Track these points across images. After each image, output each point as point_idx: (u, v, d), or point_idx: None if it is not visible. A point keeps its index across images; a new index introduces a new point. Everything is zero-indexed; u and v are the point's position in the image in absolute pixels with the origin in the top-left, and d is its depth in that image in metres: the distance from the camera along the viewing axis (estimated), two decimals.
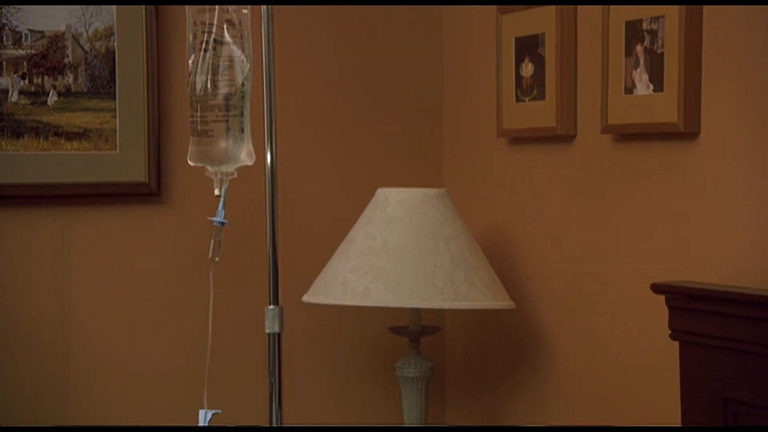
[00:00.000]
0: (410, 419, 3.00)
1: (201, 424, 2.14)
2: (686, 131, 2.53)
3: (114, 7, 3.02)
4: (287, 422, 2.38)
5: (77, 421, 3.03)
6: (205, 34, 2.19)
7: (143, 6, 3.03)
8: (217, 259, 2.24)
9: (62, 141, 2.99)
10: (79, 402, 3.03)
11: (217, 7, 2.20)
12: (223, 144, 2.21)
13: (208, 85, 2.21)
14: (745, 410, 2.23)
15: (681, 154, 2.58)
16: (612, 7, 2.71)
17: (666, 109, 2.56)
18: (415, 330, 3.01)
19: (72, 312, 3.03)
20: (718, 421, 2.27)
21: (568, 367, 2.96)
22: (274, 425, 2.32)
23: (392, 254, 2.87)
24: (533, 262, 3.08)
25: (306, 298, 2.96)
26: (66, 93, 3.00)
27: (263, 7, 2.32)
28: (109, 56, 3.03)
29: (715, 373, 2.30)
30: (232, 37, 2.19)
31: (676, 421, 2.43)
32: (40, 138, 2.97)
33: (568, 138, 2.92)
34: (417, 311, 3.00)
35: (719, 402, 2.27)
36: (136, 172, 3.05)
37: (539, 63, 2.97)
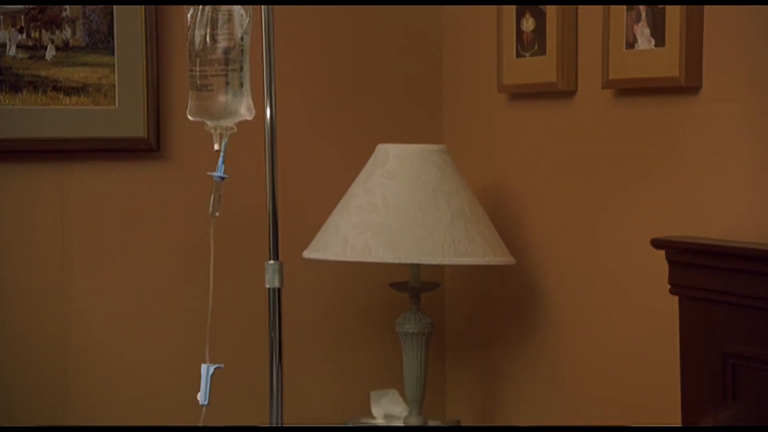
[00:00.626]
0: (410, 375, 3.01)
1: (203, 378, 2.16)
2: (687, 86, 2.52)
3: None
4: (287, 376, 2.39)
5: (79, 374, 3.04)
6: None
7: None
8: (217, 214, 2.24)
9: (61, 96, 2.98)
10: (80, 348, 3.04)
11: None
12: (222, 98, 2.21)
13: (207, 39, 2.20)
14: (744, 364, 2.24)
15: (682, 109, 2.58)
16: None
17: (667, 64, 2.55)
18: (415, 286, 3.01)
19: (72, 265, 3.03)
20: (717, 375, 2.28)
21: (567, 322, 2.97)
22: (275, 380, 2.33)
23: (392, 210, 2.87)
24: (533, 217, 3.08)
25: (306, 254, 2.96)
26: (64, 47, 2.98)
27: None
28: (107, 10, 3.01)
29: (714, 328, 2.31)
30: None
31: (675, 376, 2.43)
32: (38, 92, 2.96)
33: (568, 93, 2.91)
34: (417, 267, 3.00)
35: (718, 356, 2.28)
36: (135, 127, 3.04)
37: (540, 18, 2.95)
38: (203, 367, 2.17)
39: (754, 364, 2.21)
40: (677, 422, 2.42)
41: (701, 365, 2.33)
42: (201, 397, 2.16)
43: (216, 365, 2.17)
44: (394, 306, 3.19)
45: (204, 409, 2.17)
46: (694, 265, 2.36)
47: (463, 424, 3.21)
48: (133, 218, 3.08)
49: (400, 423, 3.09)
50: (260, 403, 2.52)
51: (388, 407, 3.16)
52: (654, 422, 2.53)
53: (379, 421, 3.14)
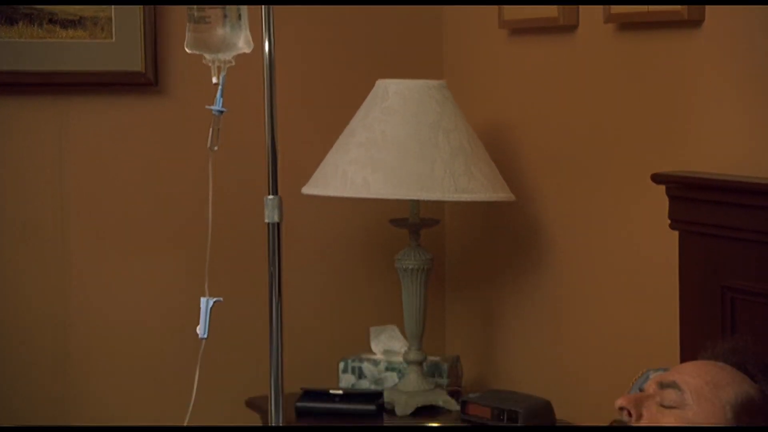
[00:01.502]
0: (409, 311, 3.01)
1: (203, 311, 2.15)
2: (690, 19, 2.50)
3: None
4: (287, 311, 2.39)
5: (78, 307, 3.05)
6: None
7: None
8: (215, 148, 2.22)
9: (57, 29, 2.96)
10: (78, 281, 3.06)
11: None
12: (220, 31, 2.18)
13: None
14: (743, 298, 2.24)
15: (684, 43, 2.56)
16: None
17: None
18: (415, 222, 3.01)
19: (70, 200, 3.03)
20: (716, 309, 2.28)
21: (566, 258, 2.97)
22: (275, 315, 2.33)
23: (391, 146, 2.86)
24: (533, 154, 3.07)
25: (305, 190, 2.96)
26: None
27: None
28: None
29: (713, 262, 2.31)
30: None
31: (674, 311, 2.44)
32: (34, 25, 2.94)
33: (569, 28, 2.89)
34: (416, 203, 3.00)
35: (717, 290, 2.29)
36: (133, 61, 3.02)
37: None
38: (202, 300, 2.15)
39: (753, 298, 2.22)
40: (675, 357, 2.43)
41: (700, 300, 2.33)
42: (200, 330, 2.16)
43: (215, 299, 2.16)
44: (393, 242, 3.19)
45: (203, 342, 2.17)
46: (694, 200, 2.36)
47: (462, 359, 3.22)
48: (130, 152, 3.07)
49: (399, 358, 3.11)
50: (260, 337, 2.52)
51: (387, 343, 3.17)
52: (652, 357, 2.54)
53: (379, 357, 3.15)
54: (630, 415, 1.75)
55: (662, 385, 1.76)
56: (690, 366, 1.79)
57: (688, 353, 2.36)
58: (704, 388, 1.73)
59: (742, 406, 1.72)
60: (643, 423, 1.73)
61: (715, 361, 1.80)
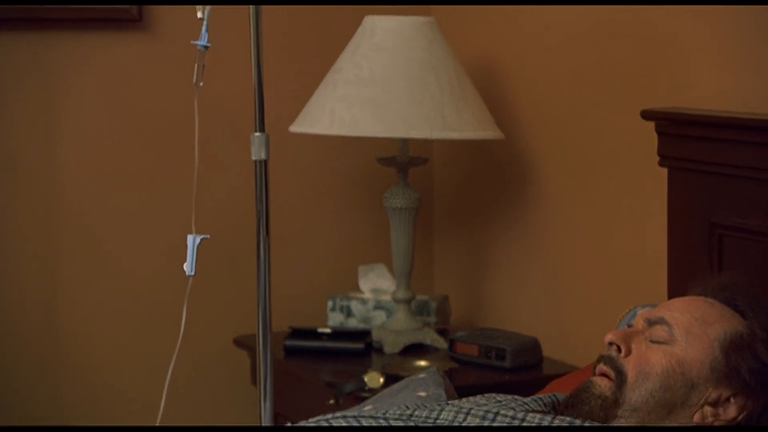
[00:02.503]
0: (397, 250, 3.01)
1: (189, 248, 2.14)
2: None
3: None
4: (274, 250, 2.38)
5: (67, 247, 3.04)
6: None
7: None
8: (201, 84, 2.20)
9: None
10: (65, 220, 3.05)
11: None
12: None
13: None
14: (731, 234, 2.24)
15: None
16: None
17: None
18: (403, 161, 3.00)
19: (57, 136, 3.01)
20: (704, 245, 2.28)
21: (555, 196, 2.97)
22: (262, 253, 2.33)
23: (380, 84, 2.84)
24: (522, 92, 3.05)
25: (293, 128, 2.94)
26: None
27: None
28: None
29: (702, 199, 2.31)
30: None
31: (662, 247, 2.44)
32: None
33: None
34: (405, 141, 2.98)
35: (705, 226, 2.28)
36: None
37: None
38: (189, 237, 2.14)
39: (741, 234, 2.21)
40: (663, 294, 2.43)
41: (688, 236, 2.33)
42: (187, 267, 2.15)
43: (202, 236, 2.14)
44: (381, 181, 3.19)
45: (190, 279, 2.16)
46: (683, 137, 2.35)
47: (450, 298, 3.22)
48: (115, 89, 3.05)
49: (387, 297, 3.11)
50: (248, 275, 2.52)
51: (375, 282, 3.17)
52: (640, 294, 2.54)
53: (367, 296, 3.15)
54: (619, 350, 1.75)
55: (651, 322, 1.76)
56: (679, 302, 1.79)
57: (675, 290, 2.36)
58: (693, 324, 1.73)
59: (730, 343, 1.72)
60: (632, 358, 1.73)
61: (704, 297, 1.80)
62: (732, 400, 1.71)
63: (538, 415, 1.64)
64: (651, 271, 2.59)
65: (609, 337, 1.76)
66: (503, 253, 3.15)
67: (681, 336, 1.72)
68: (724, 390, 1.71)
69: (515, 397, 1.77)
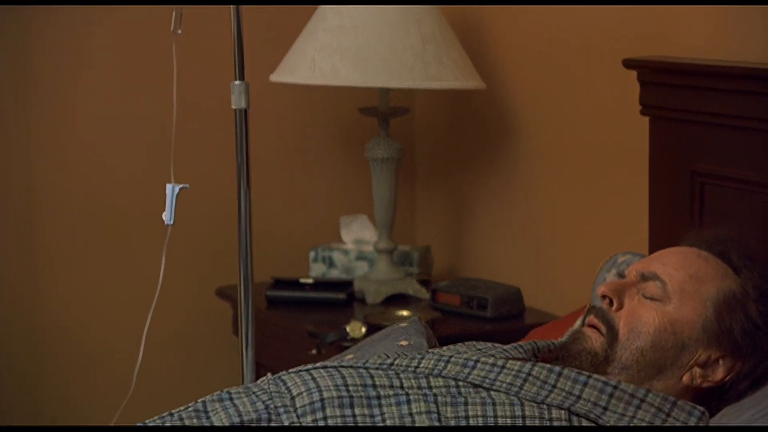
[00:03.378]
0: (379, 200, 3.00)
1: (168, 197, 2.13)
2: None
3: None
4: (255, 200, 2.38)
5: (44, 190, 3.03)
6: None
7: None
8: (179, 31, 2.18)
9: None
10: (43, 167, 3.02)
11: None
12: None
13: None
14: (712, 182, 2.24)
15: None
16: None
17: None
18: (384, 111, 2.98)
19: (33, 86, 2.98)
20: (685, 193, 2.28)
21: (537, 146, 2.96)
22: (243, 204, 2.32)
23: (361, 33, 2.82)
24: (504, 41, 3.03)
25: (273, 78, 2.92)
26: None
27: None
28: None
29: (683, 147, 2.31)
30: None
31: (644, 196, 2.44)
32: None
33: None
34: (386, 91, 2.97)
35: (687, 175, 2.28)
36: None
37: None
38: (168, 186, 2.13)
39: (723, 183, 2.21)
40: (644, 243, 2.43)
41: (670, 185, 2.33)
42: (166, 216, 2.14)
43: (181, 185, 2.14)
44: (363, 131, 3.17)
45: (169, 229, 2.15)
46: (665, 85, 2.34)
47: (433, 248, 3.22)
48: (92, 35, 3.02)
49: (369, 248, 3.11)
50: (229, 225, 2.51)
51: (357, 232, 3.16)
52: (621, 242, 2.54)
53: (349, 246, 3.15)
54: (611, 303, 1.72)
55: (644, 276, 1.73)
56: (673, 256, 1.76)
57: (656, 238, 2.36)
58: (687, 282, 1.70)
59: (723, 303, 1.69)
60: (623, 313, 1.71)
61: (698, 249, 1.77)
62: (720, 362, 1.70)
63: (518, 363, 1.63)
64: (632, 220, 2.59)
65: (602, 290, 1.72)
66: (485, 203, 3.14)
67: (674, 294, 1.69)
68: (713, 351, 1.70)
69: (495, 344, 1.77)
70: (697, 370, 1.70)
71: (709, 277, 1.72)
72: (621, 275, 1.79)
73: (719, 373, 1.70)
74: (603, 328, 1.71)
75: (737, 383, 1.71)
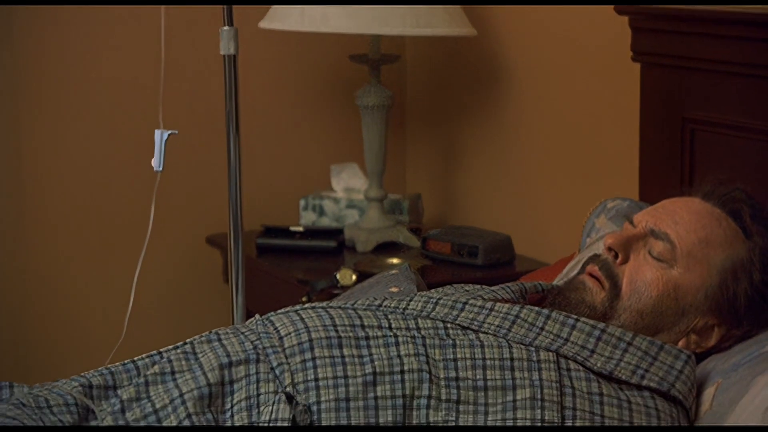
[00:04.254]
0: (370, 148, 2.99)
1: (157, 144, 2.12)
2: None
3: None
4: (245, 148, 2.36)
5: (33, 146, 3.02)
6: None
7: None
8: None
9: None
10: (32, 115, 3.01)
11: None
12: None
13: None
14: (703, 128, 2.24)
15: None
16: None
17: None
18: (375, 58, 2.97)
19: (21, 36, 2.96)
20: (676, 140, 2.28)
21: (529, 93, 2.95)
22: (232, 151, 2.31)
23: None
24: None
25: (263, 24, 2.90)
26: None
27: None
28: None
29: (674, 94, 2.30)
30: None
31: (634, 143, 2.43)
32: None
33: None
34: (376, 38, 2.95)
35: (677, 121, 2.28)
36: None
37: None
38: (157, 132, 2.12)
39: (713, 129, 2.21)
40: (634, 189, 2.43)
41: (660, 131, 2.33)
42: (155, 163, 2.13)
43: (170, 131, 2.12)
44: (353, 79, 3.16)
45: (159, 175, 2.14)
46: (656, 31, 2.33)
47: (423, 197, 3.22)
48: None
49: (359, 196, 3.10)
50: (219, 173, 2.50)
51: (348, 180, 3.16)
52: (611, 189, 2.54)
53: (339, 194, 3.14)
54: (616, 256, 1.69)
55: (655, 233, 1.68)
56: (686, 216, 1.70)
57: (646, 185, 2.36)
58: (696, 247, 1.66)
59: (729, 271, 1.66)
60: (627, 268, 1.67)
61: (711, 206, 1.71)
62: (716, 329, 1.69)
63: (506, 305, 1.63)
64: (622, 167, 2.58)
65: (609, 242, 1.67)
66: (476, 151, 3.14)
67: (682, 258, 1.65)
68: (710, 318, 1.68)
69: (483, 286, 1.77)
70: (692, 337, 1.69)
71: (718, 243, 1.68)
72: (630, 220, 1.73)
73: (712, 340, 1.69)
74: (606, 283, 1.67)
75: (727, 343, 1.70)
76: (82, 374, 1.56)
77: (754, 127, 2.13)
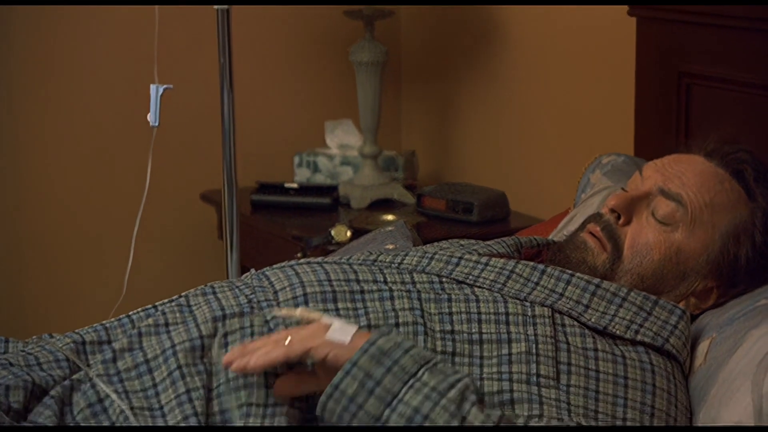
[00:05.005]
0: (364, 105, 2.98)
1: (153, 98, 2.11)
2: None
3: None
4: (238, 103, 2.35)
5: (26, 99, 3.00)
6: None
7: None
8: None
9: None
10: (23, 62, 3.00)
11: None
12: None
13: None
14: (699, 83, 2.23)
15: None
16: None
17: None
18: (369, 13, 2.95)
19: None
20: (672, 94, 2.27)
21: (524, 49, 2.94)
22: (226, 107, 2.30)
23: None
24: None
25: None
26: None
27: None
28: None
29: (670, 48, 2.29)
30: None
31: (630, 97, 2.42)
32: None
33: None
34: None
35: (674, 76, 2.27)
36: None
37: None
38: (152, 87, 2.11)
39: (709, 83, 2.20)
40: (629, 144, 2.43)
41: (656, 86, 2.32)
42: (151, 118, 2.12)
43: (165, 86, 2.12)
44: (348, 34, 3.14)
45: (155, 130, 2.14)
46: None
47: (418, 153, 3.21)
48: None
49: (354, 153, 3.10)
50: (213, 129, 2.49)
51: (342, 137, 3.15)
52: (606, 144, 2.53)
53: (334, 151, 3.14)
54: (618, 218, 1.66)
55: (665, 193, 1.66)
56: (693, 177, 1.67)
57: (642, 140, 2.36)
58: (702, 210, 1.65)
59: (731, 235, 1.65)
60: (630, 230, 1.65)
61: (715, 166, 1.68)
62: (714, 290, 1.68)
63: (502, 260, 1.63)
64: (618, 122, 2.58)
65: (612, 203, 1.65)
66: (471, 107, 3.13)
67: (688, 222, 1.64)
68: (710, 280, 1.67)
69: (478, 241, 1.76)
70: (692, 300, 1.68)
71: (723, 206, 1.67)
72: (640, 170, 1.69)
73: (710, 301, 1.69)
74: (608, 245, 1.66)
75: (722, 299, 1.70)
76: (76, 331, 1.56)
77: (750, 81, 2.13)
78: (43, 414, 1.43)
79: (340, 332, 1.40)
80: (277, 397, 1.43)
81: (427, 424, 1.35)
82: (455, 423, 1.35)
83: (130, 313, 1.59)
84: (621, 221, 1.67)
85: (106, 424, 1.44)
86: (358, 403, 1.37)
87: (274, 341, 1.42)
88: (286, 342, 1.41)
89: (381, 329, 1.43)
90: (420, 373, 1.38)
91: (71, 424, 1.45)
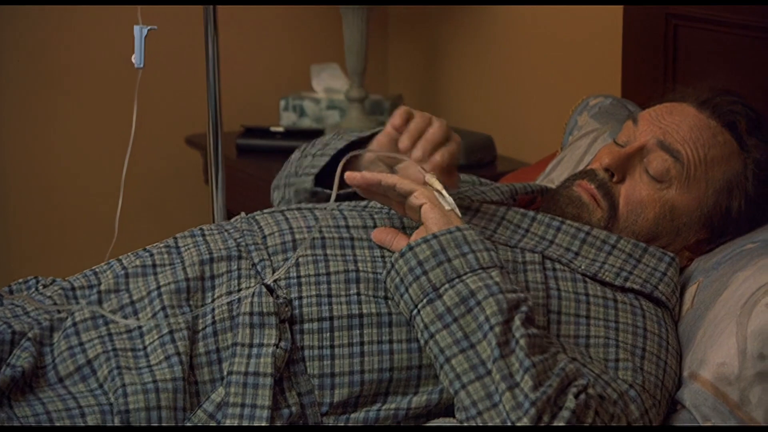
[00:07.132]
0: (351, 48, 2.97)
1: (137, 40, 2.08)
2: None
3: None
4: (224, 49, 2.33)
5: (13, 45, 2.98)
6: None
7: None
8: None
9: None
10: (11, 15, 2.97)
11: None
12: None
13: None
14: (686, 24, 2.22)
15: None
16: None
17: None
18: None
19: None
20: (659, 35, 2.26)
21: None
22: (211, 51, 2.28)
23: None
24: None
25: None
26: None
27: None
28: None
29: None
30: None
31: (617, 38, 2.41)
32: None
33: None
34: None
35: (660, 17, 2.26)
36: None
37: None
38: (136, 28, 2.09)
39: (696, 24, 2.19)
40: (617, 86, 2.42)
41: (644, 27, 2.30)
42: (136, 59, 2.09)
43: (149, 27, 2.09)
44: None
45: (140, 72, 2.11)
46: None
47: (405, 97, 3.20)
48: None
49: (340, 96, 3.08)
50: (199, 72, 2.47)
51: (328, 81, 3.13)
52: (593, 86, 2.53)
53: (320, 95, 3.12)
54: (612, 176, 1.64)
55: (664, 146, 1.64)
56: (688, 132, 1.64)
57: (629, 82, 2.35)
58: (697, 166, 1.63)
59: (724, 189, 1.64)
60: (624, 189, 1.63)
61: (707, 118, 1.66)
62: (705, 244, 1.69)
63: (492, 206, 1.63)
64: (605, 64, 2.57)
65: (606, 162, 1.63)
66: (458, 50, 3.11)
67: (683, 179, 1.63)
68: (703, 233, 1.67)
69: (475, 180, 1.77)
70: (685, 253, 1.69)
71: (717, 161, 1.66)
72: (634, 119, 1.69)
73: (702, 251, 1.69)
74: (603, 203, 1.64)
75: (710, 246, 1.70)
76: (66, 278, 1.56)
77: (737, 22, 2.11)
78: (21, 357, 1.43)
79: (444, 200, 1.49)
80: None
81: (476, 310, 1.39)
82: (500, 318, 1.38)
83: (120, 257, 1.58)
84: (615, 179, 1.66)
85: (94, 386, 1.43)
86: (424, 268, 1.43)
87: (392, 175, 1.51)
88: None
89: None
90: (492, 269, 1.43)
91: (50, 365, 1.44)
